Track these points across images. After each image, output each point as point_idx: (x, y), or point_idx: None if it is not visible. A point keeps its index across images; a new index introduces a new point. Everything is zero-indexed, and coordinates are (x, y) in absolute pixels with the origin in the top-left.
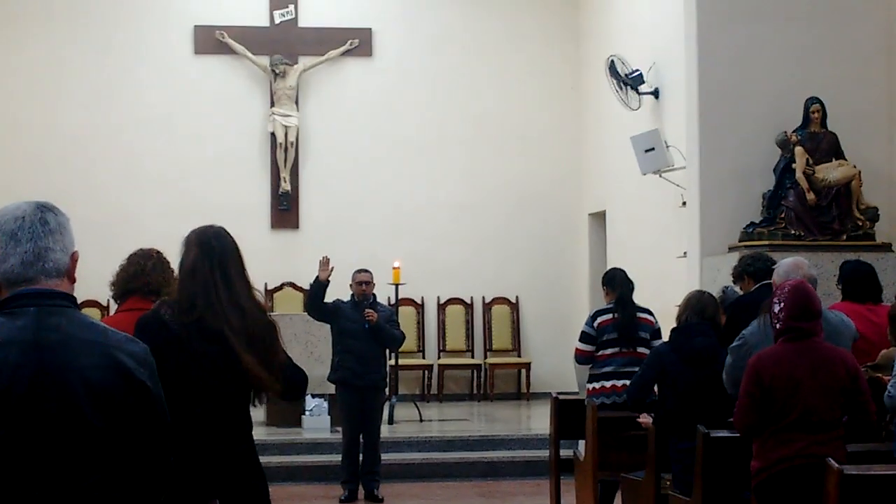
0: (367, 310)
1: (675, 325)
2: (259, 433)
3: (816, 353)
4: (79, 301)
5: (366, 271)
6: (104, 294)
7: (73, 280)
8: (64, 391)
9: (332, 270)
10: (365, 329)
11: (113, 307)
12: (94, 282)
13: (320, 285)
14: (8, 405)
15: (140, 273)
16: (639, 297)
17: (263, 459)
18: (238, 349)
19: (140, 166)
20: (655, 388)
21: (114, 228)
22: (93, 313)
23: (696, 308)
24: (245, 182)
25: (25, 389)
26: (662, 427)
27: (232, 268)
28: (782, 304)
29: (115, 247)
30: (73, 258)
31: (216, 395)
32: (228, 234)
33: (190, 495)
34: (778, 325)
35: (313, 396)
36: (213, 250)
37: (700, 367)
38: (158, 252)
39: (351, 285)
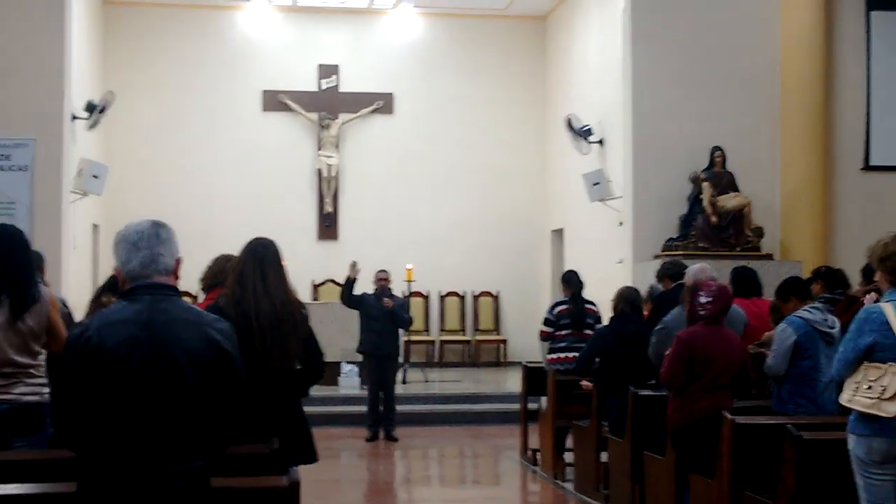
0: (384, 298)
1: (612, 313)
2: None
3: (724, 335)
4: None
5: (384, 271)
6: (195, 287)
7: (177, 277)
8: (170, 357)
9: (358, 271)
10: (384, 313)
11: (201, 296)
12: (187, 278)
13: (349, 281)
14: (128, 368)
15: (221, 271)
16: (587, 293)
17: (309, 409)
18: (262, 334)
19: (220, 195)
20: (597, 360)
21: (202, 240)
22: (187, 301)
23: (628, 300)
24: (298, 206)
25: (141, 356)
26: (603, 388)
27: (270, 268)
28: (711, 299)
29: (202, 254)
30: (178, 261)
31: (266, 363)
32: (273, 244)
33: (257, 435)
34: (703, 313)
35: (346, 363)
36: (257, 255)
37: (631, 345)
38: (232, 256)
39: (374, 281)
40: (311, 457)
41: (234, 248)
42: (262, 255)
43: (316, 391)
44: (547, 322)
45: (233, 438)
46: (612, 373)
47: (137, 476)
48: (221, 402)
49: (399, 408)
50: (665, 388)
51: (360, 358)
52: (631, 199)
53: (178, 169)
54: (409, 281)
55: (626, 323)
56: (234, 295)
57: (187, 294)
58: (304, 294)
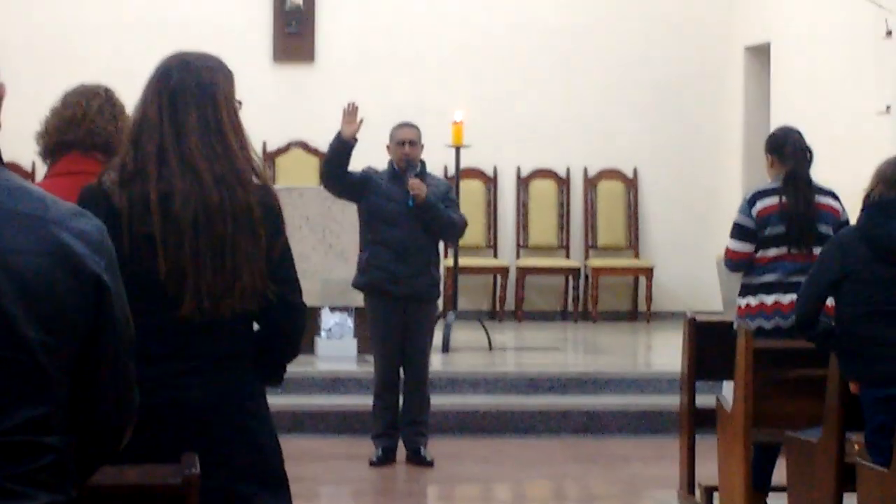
0: (411, 181)
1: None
2: None
3: None
4: None
5: (411, 126)
6: (28, 152)
7: None
8: None
9: (361, 124)
10: (408, 210)
11: (41, 171)
12: (15, 135)
13: (344, 145)
14: None
15: (81, 118)
16: (819, 173)
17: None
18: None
19: None
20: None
21: (45, 59)
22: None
23: (890, 179)
24: None
25: None
26: (846, 363)
27: (192, 114)
28: None
29: (47, 84)
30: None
31: (177, 305)
32: (212, 63)
33: (150, 445)
34: None
35: (332, 310)
36: (167, 85)
37: None
38: (108, 90)
39: (388, 147)
40: None
41: (106, 74)
42: (180, 84)
43: None
44: (740, 232)
45: (110, 447)
46: (864, 328)
47: None
48: (87, 375)
49: (437, 400)
50: None
51: (359, 300)
52: None
53: None
54: (456, 147)
55: (890, 219)
56: (124, 165)
57: (11, 168)
58: None
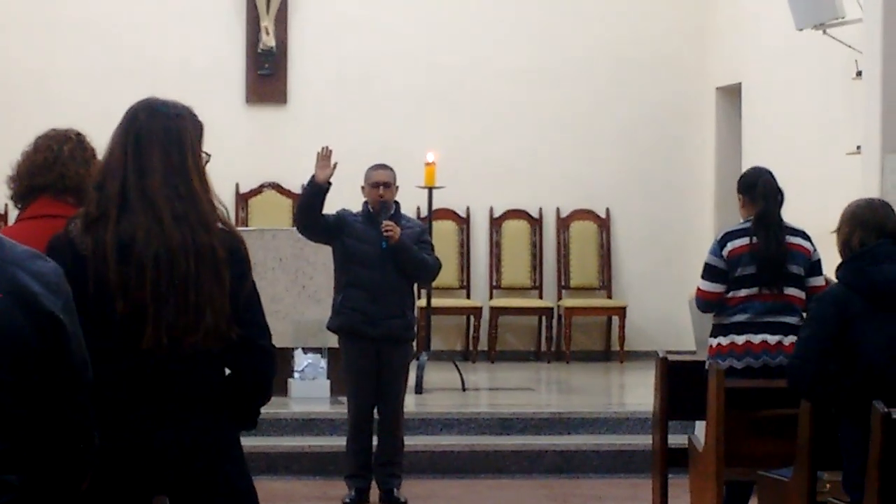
0: (385, 223)
1: (838, 252)
2: None
3: None
4: None
5: (386, 168)
6: (1, 196)
7: None
8: None
9: (335, 167)
10: (382, 252)
11: (13, 215)
12: None
13: (318, 189)
14: None
15: (52, 163)
16: (790, 213)
17: None
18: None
19: (61, 10)
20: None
21: (17, 101)
22: None
23: (869, 223)
24: (209, 33)
25: None
26: (835, 403)
27: (156, 155)
28: None
29: (18, 127)
30: None
31: (137, 337)
32: (180, 109)
33: (123, 487)
34: None
35: (305, 351)
36: (133, 127)
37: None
38: (79, 134)
39: (363, 188)
40: None
41: (80, 118)
42: (146, 128)
43: None
44: (711, 272)
45: (69, 486)
46: (868, 375)
47: None
48: (43, 414)
49: (410, 441)
50: None
51: (333, 341)
52: (880, 23)
53: None
54: (429, 188)
55: (878, 263)
56: (88, 212)
57: None
58: None
